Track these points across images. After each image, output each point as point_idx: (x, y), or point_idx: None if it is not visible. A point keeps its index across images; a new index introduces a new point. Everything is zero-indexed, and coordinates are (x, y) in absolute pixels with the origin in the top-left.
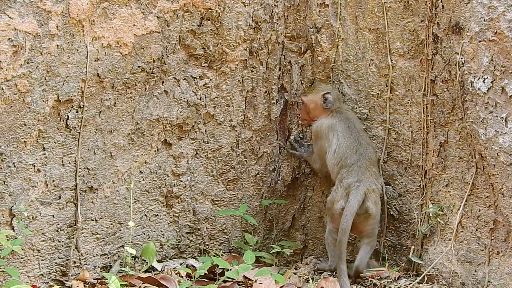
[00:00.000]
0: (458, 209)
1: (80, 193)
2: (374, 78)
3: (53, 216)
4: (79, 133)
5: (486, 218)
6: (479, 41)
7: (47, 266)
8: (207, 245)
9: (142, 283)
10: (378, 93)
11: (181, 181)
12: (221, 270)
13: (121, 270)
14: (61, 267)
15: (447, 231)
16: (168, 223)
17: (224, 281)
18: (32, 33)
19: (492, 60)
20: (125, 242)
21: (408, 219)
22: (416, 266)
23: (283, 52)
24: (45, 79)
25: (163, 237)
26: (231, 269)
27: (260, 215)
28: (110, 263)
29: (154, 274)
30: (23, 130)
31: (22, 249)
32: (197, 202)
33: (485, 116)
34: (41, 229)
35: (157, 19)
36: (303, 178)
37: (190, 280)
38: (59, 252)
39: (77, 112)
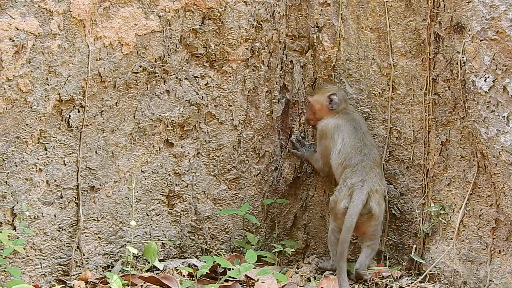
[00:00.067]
0: (460, 208)
1: (82, 193)
2: (376, 77)
3: (54, 215)
4: (80, 132)
5: (488, 217)
6: (481, 40)
7: (49, 266)
8: (209, 244)
9: (144, 283)
10: (379, 92)
11: (182, 180)
12: (223, 269)
13: (123, 269)
14: (63, 267)
15: (449, 230)
16: (170, 223)
17: (226, 281)
18: (33, 33)
19: (493, 59)
20: (127, 242)
21: (410, 218)
22: (418, 265)
23: (284, 51)
24: (47, 79)
25: (165, 237)
26: (233, 269)
27: (262, 214)
28: (112, 263)
29: (156, 274)
30: (25, 130)
31: (24, 248)
32: (198, 201)
33: (487, 115)
34: (43, 229)
35: (159, 19)
36: (304, 177)
37: (192, 280)
38: (61, 252)
39: (78, 111)
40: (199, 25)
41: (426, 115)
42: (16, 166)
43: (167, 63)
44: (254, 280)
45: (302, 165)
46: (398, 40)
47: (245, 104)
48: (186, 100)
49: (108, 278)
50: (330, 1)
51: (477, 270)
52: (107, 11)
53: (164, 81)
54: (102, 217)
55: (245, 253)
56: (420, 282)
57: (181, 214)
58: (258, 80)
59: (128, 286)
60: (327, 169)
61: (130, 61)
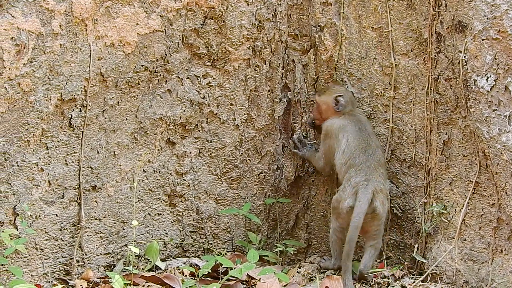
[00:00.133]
0: (462, 208)
1: (84, 192)
2: (378, 76)
3: (56, 215)
4: (82, 132)
5: (490, 216)
6: (482, 40)
7: (51, 265)
8: (211, 244)
9: (146, 282)
10: (381, 92)
11: (184, 180)
12: (225, 269)
13: (125, 269)
14: (65, 266)
15: (451, 229)
16: (172, 222)
17: (228, 280)
18: (35, 32)
19: (495, 58)
20: (129, 241)
21: (412, 217)
22: (419, 264)
23: (286, 51)
24: (48, 78)
25: (167, 236)
26: (234, 268)
27: (264, 214)
28: (113, 262)
29: (158, 273)
30: (27, 129)
31: (26, 248)
32: (200, 201)
33: (489, 114)
34: (45, 228)
35: (160, 18)
36: (306, 176)
37: (194, 279)
38: (63, 251)
39: (80, 111)
40: (201, 24)
41: (428, 115)
42: (18, 165)
43: (168, 63)
44: (256, 279)
45: (304, 165)
46: (399, 40)
47: (247, 104)
48: (188, 100)
49: (110, 278)
50: (331, 1)
51: (479, 269)
52: (108, 10)
53: (166, 81)
54: (104, 217)
55: (247, 252)
56: (422, 281)
57: (183, 214)
58: (260, 79)
59: (130, 285)
60: (328, 168)
61: (131, 60)
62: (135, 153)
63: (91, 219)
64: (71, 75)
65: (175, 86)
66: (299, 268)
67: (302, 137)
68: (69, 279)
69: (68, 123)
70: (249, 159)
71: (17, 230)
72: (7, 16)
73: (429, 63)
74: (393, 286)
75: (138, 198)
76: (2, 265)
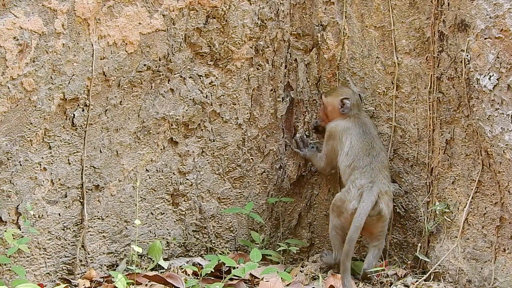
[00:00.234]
0: (464, 207)
1: (86, 192)
2: (380, 75)
3: (59, 214)
4: (85, 131)
5: (492, 215)
6: (485, 39)
7: (54, 265)
8: (214, 243)
9: (149, 282)
10: (384, 91)
11: (187, 179)
12: (228, 268)
13: (128, 268)
14: (68, 266)
15: (453, 228)
16: (175, 221)
17: (231, 279)
18: (37, 32)
19: (498, 57)
20: (132, 241)
21: (415, 216)
22: (422, 263)
23: (289, 50)
24: (51, 78)
25: (170, 235)
26: (237, 267)
27: (267, 213)
28: (116, 262)
29: (161, 273)
30: (29, 129)
31: (29, 247)
32: (203, 200)
33: (491, 113)
34: (48, 228)
35: (163, 18)
36: (309, 176)
37: (197, 278)
38: (66, 251)
39: (83, 110)
40: (203, 24)
41: (430, 114)
42: (21, 165)
43: (171, 62)
44: (259, 278)
45: (306, 164)
46: (402, 39)
47: (249, 103)
48: (190, 99)
49: (113, 277)
50: (334, 0)
51: (481, 268)
52: (111, 10)
53: (169, 80)
54: (107, 216)
55: (249, 251)
56: (425, 280)
57: (185, 213)
58: (263, 78)
59: (133, 285)
60: (328, 169)
61: (134, 60)
62: (138, 152)
63: (94, 219)
64: (73, 75)
65: (177, 85)
66: (302, 267)
67: (305, 136)
68: (72, 279)
69: (70, 123)
70: (251, 158)
71: (20, 229)
72: (10, 16)
73: (431, 62)
74: (396, 285)
75: (141, 197)
76: (5, 264)
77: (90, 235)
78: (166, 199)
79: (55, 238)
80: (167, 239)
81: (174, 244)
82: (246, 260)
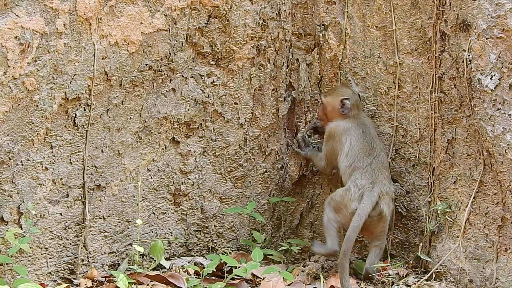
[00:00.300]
0: (466, 206)
1: (88, 191)
2: (382, 75)
3: (61, 214)
4: (86, 131)
5: (494, 215)
6: (487, 38)
7: (55, 264)
8: (215, 243)
9: (150, 281)
10: (385, 91)
11: (189, 179)
12: (229, 268)
13: (129, 268)
14: (69, 265)
15: (455, 228)
16: (176, 221)
17: (232, 279)
18: (39, 31)
19: (499, 57)
20: (133, 240)
21: (416, 216)
22: (424, 263)
23: (290, 49)
24: (53, 77)
25: (171, 235)
26: (239, 267)
27: (268, 212)
28: (118, 261)
29: (162, 272)
30: (31, 129)
31: (30, 247)
32: (205, 200)
33: (493, 113)
34: (49, 227)
35: (164, 17)
36: (310, 175)
37: (198, 278)
38: (67, 250)
39: (84, 110)
40: (205, 23)
41: (432, 113)
42: (22, 164)
43: (173, 62)
44: (261, 278)
45: (308, 164)
46: (404, 38)
47: (251, 103)
48: (192, 99)
49: (115, 277)
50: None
51: (483, 268)
52: (112, 9)
53: (170, 80)
54: (108, 216)
55: (251, 251)
56: (426, 280)
57: (187, 213)
58: (264, 78)
59: (135, 284)
60: (329, 169)
61: (136, 59)
62: (140, 152)
63: (96, 218)
64: (75, 74)
65: (179, 85)
66: (304, 267)
67: (306, 136)
68: (73, 278)
69: (72, 122)
70: (253, 158)
71: (22, 229)
72: (11, 15)
73: (433, 62)
74: (397, 285)
75: (143, 197)
76: (7, 264)
77: (92, 234)
78: (168, 199)
79: (57, 237)
80: (168, 238)
81: (176, 244)
82: (248, 259)
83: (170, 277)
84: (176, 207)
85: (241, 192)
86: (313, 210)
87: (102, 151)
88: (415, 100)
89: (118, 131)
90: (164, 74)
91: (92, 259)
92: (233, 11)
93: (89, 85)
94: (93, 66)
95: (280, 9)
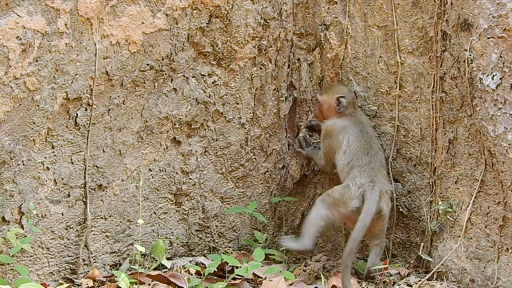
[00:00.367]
0: (467, 206)
1: (89, 191)
2: (383, 75)
3: (62, 214)
4: (88, 131)
5: (495, 215)
6: (488, 38)
7: (57, 264)
8: (217, 242)
9: (152, 281)
10: (387, 90)
11: (190, 178)
12: (231, 267)
13: (131, 268)
14: (71, 265)
15: (456, 228)
16: (177, 221)
17: (234, 279)
18: (40, 31)
19: (501, 56)
20: (135, 240)
21: (417, 216)
22: (425, 263)
23: (292, 49)
24: (54, 77)
25: (173, 235)
26: (240, 267)
27: (269, 212)
28: (119, 261)
29: (164, 272)
30: (32, 128)
31: (32, 247)
32: (206, 199)
33: (494, 112)
34: (50, 227)
35: (166, 17)
36: (312, 175)
37: (200, 278)
38: (69, 250)
39: (86, 110)
40: (206, 23)
41: (433, 113)
42: (24, 164)
43: (174, 62)
44: (262, 278)
45: (309, 163)
46: (405, 38)
47: (252, 102)
48: (193, 98)
49: (116, 277)
50: None
51: (484, 267)
52: (114, 9)
53: (172, 80)
54: (110, 216)
55: (252, 251)
56: (428, 280)
57: (188, 212)
58: (266, 78)
59: (136, 284)
60: (329, 167)
61: (137, 59)
62: (141, 152)
63: (97, 218)
64: (76, 74)
65: (180, 85)
66: (305, 266)
67: (308, 136)
68: (75, 278)
69: (73, 122)
70: (254, 158)
71: (23, 229)
72: (13, 15)
73: (434, 62)
74: (398, 285)
75: (144, 197)
76: (8, 264)
77: (93, 234)
78: (169, 199)
79: (58, 237)
80: (170, 238)
81: (177, 244)
82: (249, 259)
83: (171, 277)
84: (177, 207)
85: (242, 192)
86: None
87: (104, 151)
88: (417, 99)
89: (119, 131)
90: (166, 74)
91: (94, 259)
92: (235, 11)
93: (90, 85)
94: (95, 66)
95: (281, 8)
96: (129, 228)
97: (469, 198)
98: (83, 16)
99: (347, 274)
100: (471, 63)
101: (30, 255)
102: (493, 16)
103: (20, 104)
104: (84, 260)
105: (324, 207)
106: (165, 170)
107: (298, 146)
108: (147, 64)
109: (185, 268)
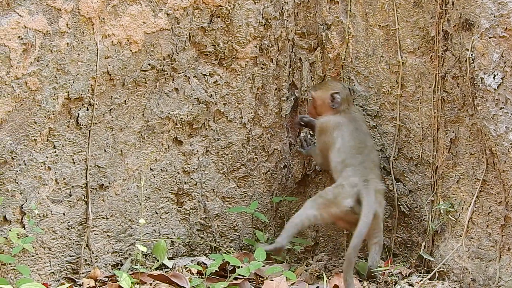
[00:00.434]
0: (469, 206)
1: (91, 191)
2: (385, 74)
3: (63, 214)
4: (89, 130)
5: (497, 214)
6: (489, 38)
7: (58, 264)
8: (218, 242)
9: (153, 281)
10: (388, 90)
11: (191, 178)
12: (232, 267)
13: (132, 267)
14: (72, 265)
15: (458, 227)
16: (179, 221)
17: (235, 278)
18: (42, 31)
19: (502, 56)
20: (136, 240)
21: (419, 215)
22: (427, 262)
23: (293, 49)
24: (55, 77)
25: (174, 235)
26: (242, 266)
27: (271, 212)
28: (121, 261)
29: (165, 272)
30: (34, 128)
31: (33, 247)
32: (207, 199)
33: (496, 112)
34: (52, 227)
35: (167, 17)
36: (313, 175)
37: (201, 278)
38: (70, 250)
39: (87, 109)
40: (208, 23)
41: (435, 113)
42: (25, 164)
43: (175, 61)
44: (264, 278)
45: (310, 163)
46: (406, 38)
47: (253, 102)
48: (195, 98)
49: (117, 276)
50: None
51: (486, 267)
52: (115, 9)
53: (173, 79)
54: (111, 215)
55: (254, 251)
56: (429, 279)
57: (190, 212)
58: (267, 78)
59: (137, 284)
60: (326, 164)
61: (138, 59)
62: (142, 151)
63: (99, 218)
64: (78, 74)
65: (182, 84)
66: (307, 266)
67: (309, 135)
68: (76, 278)
69: (75, 122)
70: (256, 158)
71: (25, 229)
72: (14, 15)
73: (436, 61)
74: (400, 284)
75: (145, 196)
76: (10, 263)
77: (95, 234)
78: (171, 198)
79: (60, 237)
80: (171, 238)
81: (179, 243)
82: (251, 259)
83: (173, 277)
84: (179, 207)
85: (244, 191)
86: None
87: (105, 151)
88: (418, 99)
89: (121, 130)
90: (167, 73)
91: (95, 259)
92: (236, 11)
93: (91, 85)
94: (96, 65)
95: (282, 8)
96: (131, 228)
97: (470, 198)
98: (85, 16)
99: (350, 271)
100: (473, 62)
101: (31, 255)
102: (494, 16)
103: (22, 104)
104: (85, 260)
105: (314, 207)
106: (166, 170)
107: (299, 145)
108: (149, 64)
109: (187, 267)
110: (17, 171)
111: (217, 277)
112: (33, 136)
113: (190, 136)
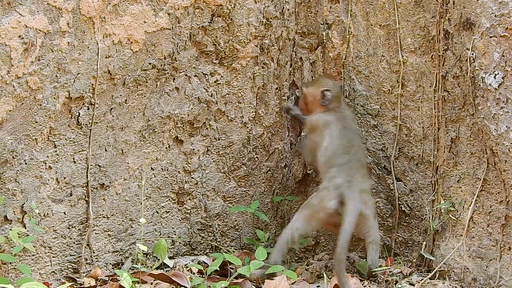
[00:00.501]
0: (470, 205)
1: (92, 190)
2: (385, 74)
3: (64, 213)
4: (90, 130)
5: (498, 213)
6: (490, 37)
7: (59, 263)
8: (219, 241)
9: (154, 280)
10: (389, 89)
11: (192, 177)
12: (233, 266)
13: (133, 267)
14: (73, 264)
15: (459, 227)
16: (180, 220)
17: (236, 278)
18: (42, 30)
19: (503, 55)
20: (137, 239)
21: (420, 215)
22: (427, 262)
23: (294, 48)
24: (56, 76)
25: (175, 234)
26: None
27: (272, 211)
28: (121, 260)
29: (166, 271)
30: (34, 127)
31: (34, 246)
32: (208, 198)
33: (496, 111)
34: (53, 226)
35: (168, 16)
36: (314, 174)
37: (202, 277)
38: (71, 249)
39: (88, 109)
40: (208, 22)
41: (435, 112)
42: (26, 163)
43: (176, 61)
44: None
45: None
46: (407, 37)
47: (254, 101)
48: (195, 98)
49: (118, 276)
50: None
51: (487, 266)
52: (116, 8)
53: (174, 79)
54: (112, 215)
55: (254, 250)
56: (430, 279)
57: (190, 212)
58: (268, 77)
59: (138, 283)
60: (315, 163)
61: (139, 58)
62: (143, 151)
63: (99, 217)
64: (78, 73)
65: (182, 84)
66: (307, 265)
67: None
68: (77, 277)
69: (76, 121)
70: (257, 157)
71: (25, 228)
72: (15, 14)
73: (437, 61)
74: (401, 284)
75: (146, 196)
76: (11, 263)
77: (95, 233)
78: (171, 198)
79: (60, 236)
80: (172, 237)
81: (179, 243)
82: (251, 258)
83: (173, 276)
84: (179, 206)
85: (244, 191)
86: None
87: (106, 150)
88: (419, 98)
89: (121, 130)
90: (168, 73)
91: (96, 258)
92: (237, 10)
93: (92, 84)
94: (97, 65)
95: (283, 8)
96: (131, 227)
97: (471, 197)
98: (85, 15)
99: (342, 271)
100: (473, 62)
101: (32, 254)
102: (495, 15)
103: (22, 103)
104: (86, 259)
105: (302, 217)
106: (167, 169)
107: (300, 145)
108: (149, 63)
109: (187, 267)
110: (18, 170)
111: (218, 276)
112: (34, 136)
113: (190, 135)
